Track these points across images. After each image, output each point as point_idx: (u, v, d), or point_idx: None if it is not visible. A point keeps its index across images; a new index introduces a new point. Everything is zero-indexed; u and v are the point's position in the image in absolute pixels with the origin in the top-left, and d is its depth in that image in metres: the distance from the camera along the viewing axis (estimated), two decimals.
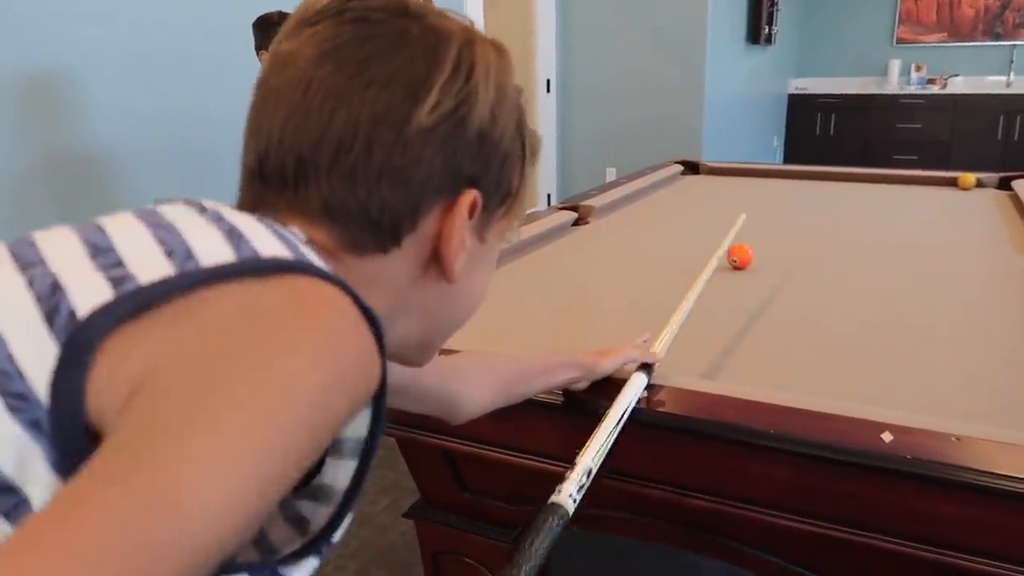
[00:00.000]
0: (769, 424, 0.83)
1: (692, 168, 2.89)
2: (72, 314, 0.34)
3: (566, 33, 4.98)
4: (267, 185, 0.46)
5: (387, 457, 2.26)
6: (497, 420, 0.97)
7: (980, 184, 2.45)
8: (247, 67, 2.68)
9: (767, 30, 5.52)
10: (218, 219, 0.40)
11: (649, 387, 0.91)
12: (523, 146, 0.52)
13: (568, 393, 0.92)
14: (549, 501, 0.60)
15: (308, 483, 0.49)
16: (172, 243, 0.37)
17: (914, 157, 6.37)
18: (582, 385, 0.92)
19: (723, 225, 1.40)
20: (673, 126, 4.81)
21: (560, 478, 0.64)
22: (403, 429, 1.05)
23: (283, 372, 0.34)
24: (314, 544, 0.45)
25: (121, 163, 2.43)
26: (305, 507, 0.49)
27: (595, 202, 2.16)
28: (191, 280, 0.36)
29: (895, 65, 6.54)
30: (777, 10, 5.64)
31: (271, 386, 0.33)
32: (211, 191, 0.59)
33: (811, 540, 0.83)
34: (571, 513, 0.59)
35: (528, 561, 0.52)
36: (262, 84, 0.47)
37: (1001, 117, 6.07)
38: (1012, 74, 6.25)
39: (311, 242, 0.45)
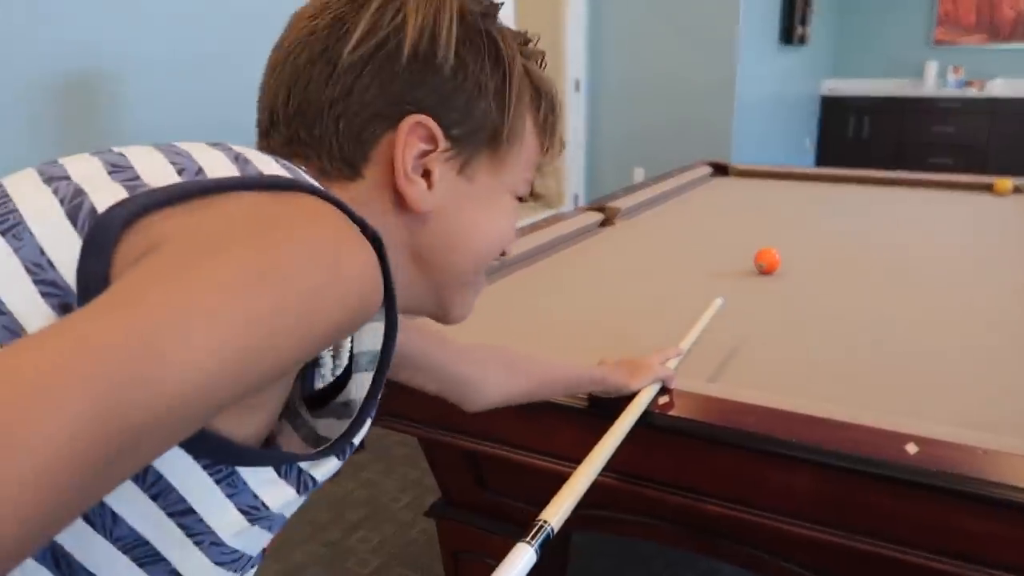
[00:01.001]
0: (791, 433, 0.82)
1: (721, 170, 2.87)
2: (93, 210, 0.38)
3: (596, 33, 4.96)
4: (263, 140, 0.53)
5: (409, 455, 2.28)
6: (520, 421, 0.98)
7: (1017, 190, 2.41)
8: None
9: (800, 30, 5.45)
10: (226, 148, 0.44)
11: (659, 394, 0.91)
12: (504, 77, 0.51)
13: (593, 397, 0.93)
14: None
15: (331, 401, 0.53)
16: (184, 163, 0.41)
17: (949, 161, 6.25)
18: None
19: (751, 230, 1.39)
20: (703, 127, 4.78)
21: None
22: (426, 429, 1.06)
23: (281, 256, 0.36)
24: (335, 447, 0.48)
25: None
26: (323, 425, 0.53)
27: (622, 203, 2.16)
28: (201, 186, 0.39)
29: (932, 67, 6.42)
30: (811, 10, 5.57)
31: (268, 264, 0.36)
32: None
33: (832, 550, 0.83)
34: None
35: None
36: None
37: None
38: None
39: None
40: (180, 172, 0.40)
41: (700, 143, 4.72)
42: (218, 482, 0.41)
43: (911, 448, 0.78)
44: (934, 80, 6.43)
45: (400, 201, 0.50)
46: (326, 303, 0.37)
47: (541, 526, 0.64)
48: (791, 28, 5.35)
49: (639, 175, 4.98)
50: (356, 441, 0.50)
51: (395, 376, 0.73)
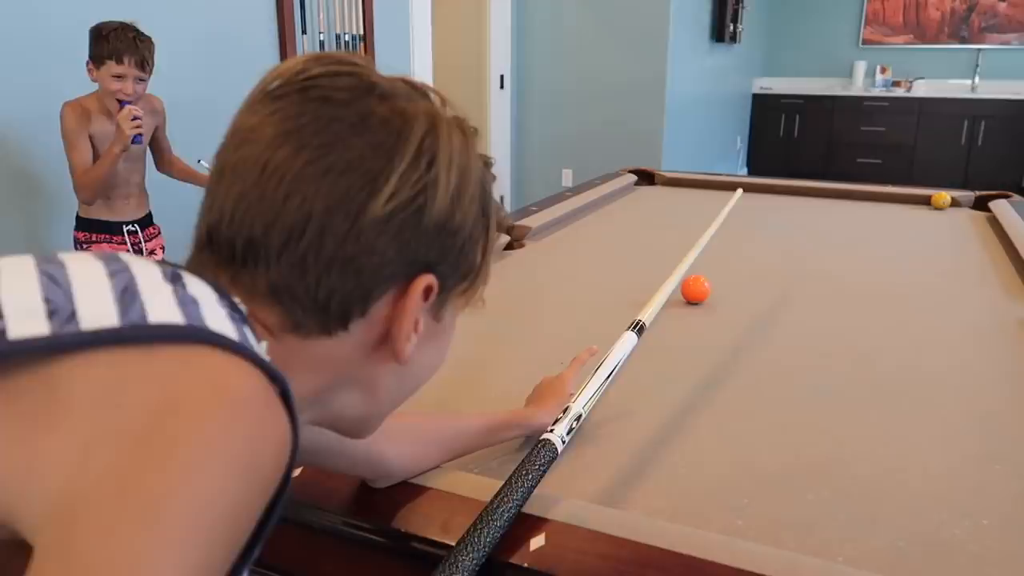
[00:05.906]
0: None
1: (647, 178, 2.65)
2: None
3: (521, 27, 4.72)
4: (215, 256, 0.45)
5: None
6: (280, 544, 0.73)
7: (955, 203, 2.26)
8: (42, 85, 2.18)
9: (732, 28, 5.32)
10: (118, 271, 0.40)
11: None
12: (487, 226, 0.50)
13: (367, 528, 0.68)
14: (541, 437, 0.75)
15: None
16: (59, 302, 0.37)
17: (878, 160, 6.24)
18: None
19: (678, 250, 1.16)
20: (633, 125, 4.58)
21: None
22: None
23: (197, 486, 0.33)
24: None
25: None
26: None
27: (533, 221, 1.91)
28: (62, 343, 0.36)
29: (860, 66, 6.40)
30: (743, 8, 5.45)
31: (187, 505, 0.32)
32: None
33: None
34: (559, 452, 0.73)
35: (521, 487, 0.64)
36: (220, 156, 0.46)
37: (965, 121, 5.96)
38: (977, 78, 6.14)
39: (251, 316, 0.43)
40: (51, 314, 0.37)
41: (630, 142, 4.52)
42: None
43: None
44: (863, 79, 6.41)
45: (376, 351, 0.48)
46: (247, 498, 0.35)
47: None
48: (722, 26, 5.21)
49: (568, 177, 4.76)
50: None
51: (309, 462, 0.69)
